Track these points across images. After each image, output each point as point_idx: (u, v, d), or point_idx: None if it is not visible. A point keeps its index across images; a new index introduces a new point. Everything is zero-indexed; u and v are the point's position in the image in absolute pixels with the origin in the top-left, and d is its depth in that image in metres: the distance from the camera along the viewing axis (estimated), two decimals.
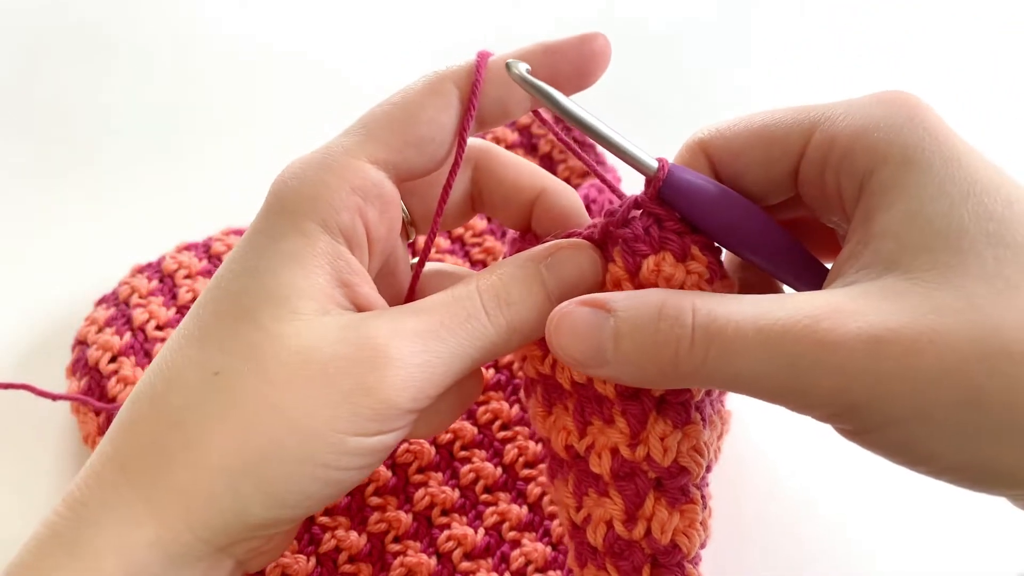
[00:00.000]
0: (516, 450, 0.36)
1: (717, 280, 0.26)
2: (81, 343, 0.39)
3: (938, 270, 0.22)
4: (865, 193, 0.24)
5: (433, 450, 0.36)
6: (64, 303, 0.42)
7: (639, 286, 0.25)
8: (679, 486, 0.25)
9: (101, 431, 0.36)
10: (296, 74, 0.54)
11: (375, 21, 0.57)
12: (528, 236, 0.29)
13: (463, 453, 0.36)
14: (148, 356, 0.38)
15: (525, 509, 0.35)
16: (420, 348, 0.24)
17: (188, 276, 0.40)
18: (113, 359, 0.38)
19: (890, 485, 0.38)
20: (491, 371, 0.38)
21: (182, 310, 0.39)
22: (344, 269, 0.25)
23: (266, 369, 0.23)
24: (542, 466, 0.36)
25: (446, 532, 0.34)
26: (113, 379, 0.37)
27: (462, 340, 0.25)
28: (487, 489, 0.36)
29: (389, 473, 0.35)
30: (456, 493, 0.35)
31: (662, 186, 0.25)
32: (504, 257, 0.28)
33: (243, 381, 0.23)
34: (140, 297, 0.39)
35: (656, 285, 0.25)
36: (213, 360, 0.24)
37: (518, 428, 0.37)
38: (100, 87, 0.52)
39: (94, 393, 0.37)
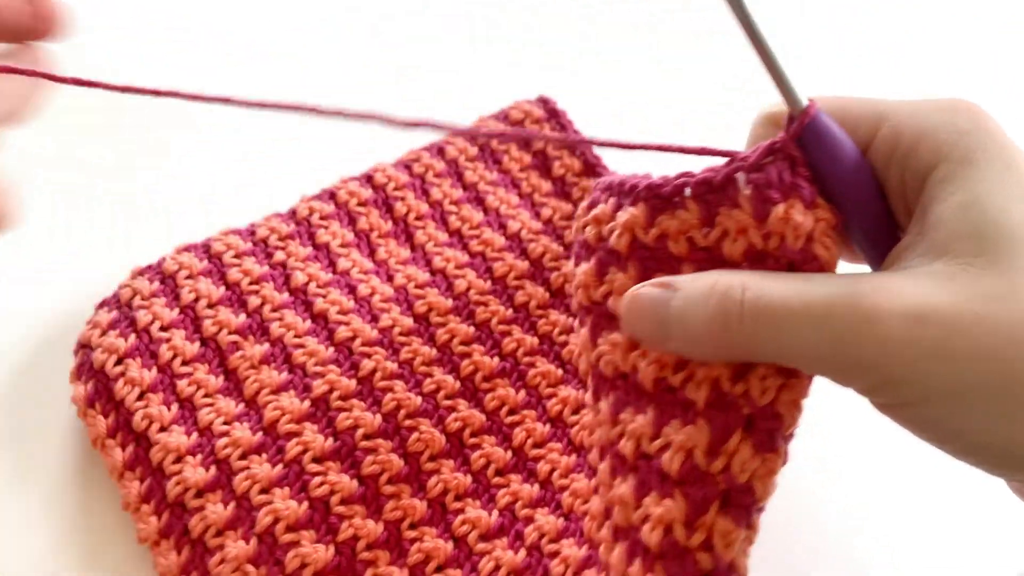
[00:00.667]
0: (524, 433, 0.38)
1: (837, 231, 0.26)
2: (85, 347, 0.39)
3: (987, 257, 0.23)
4: (926, 188, 0.25)
5: (443, 438, 0.37)
6: (60, 308, 0.42)
7: (766, 234, 0.25)
8: (768, 430, 0.25)
9: (111, 433, 0.36)
10: (292, 72, 0.54)
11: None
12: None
13: (473, 440, 0.37)
14: (154, 357, 0.38)
15: (536, 487, 0.36)
16: None
17: (189, 276, 0.40)
18: (119, 361, 0.38)
19: (887, 486, 0.39)
20: (496, 359, 0.39)
21: (185, 310, 0.39)
22: None
23: None
24: (552, 444, 0.37)
25: (460, 516, 0.35)
26: (120, 381, 0.37)
27: None
28: (498, 472, 0.37)
29: (402, 462, 0.36)
30: (468, 479, 0.36)
31: (804, 129, 0.25)
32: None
33: None
34: (143, 299, 0.39)
35: (784, 233, 0.25)
36: None
37: (525, 412, 0.38)
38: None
39: (101, 396, 0.37)
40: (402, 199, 0.44)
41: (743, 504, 0.25)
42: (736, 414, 0.26)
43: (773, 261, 0.26)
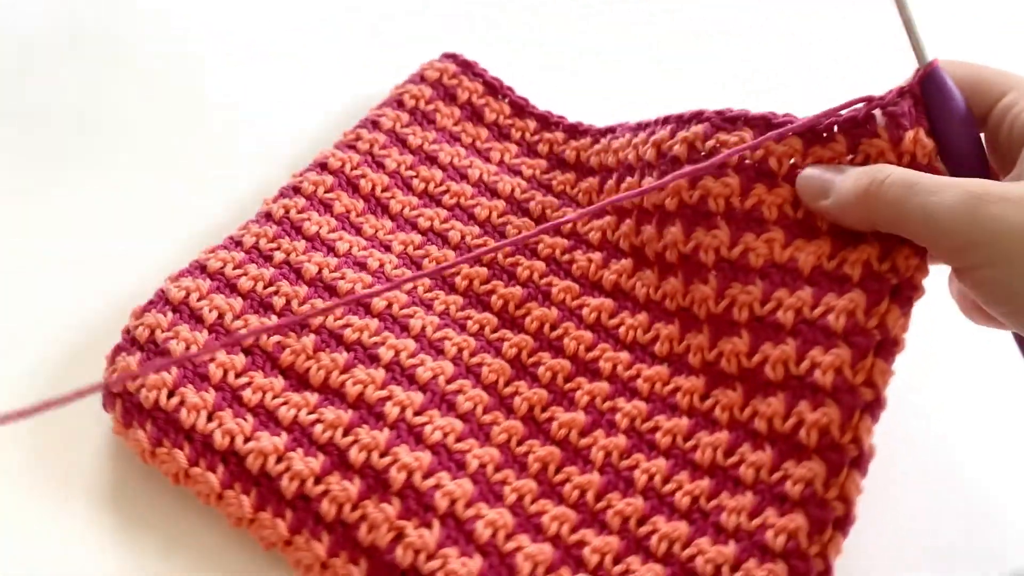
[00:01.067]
0: (573, 341, 0.40)
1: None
2: (122, 394, 0.38)
3: None
4: None
5: (507, 365, 0.40)
6: (85, 316, 0.43)
7: (899, 153, 0.34)
8: (908, 297, 0.33)
9: (193, 461, 0.37)
10: (292, 73, 0.54)
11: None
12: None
13: (531, 359, 0.40)
14: (206, 379, 0.38)
15: (605, 384, 0.39)
16: None
17: (201, 297, 0.40)
18: (171, 394, 0.37)
19: (883, 486, 0.38)
20: (517, 288, 0.42)
21: (214, 329, 0.39)
22: None
23: None
24: (602, 345, 0.40)
25: (555, 423, 0.38)
26: (183, 411, 0.37)
27: None
28: (565, 379, 0.40)
29: (485, 395, 0.39)
30: (544, 391, 0.39)
31: (926, 79, 0.34)
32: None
33: None
34: (165, 331, 0.39)
35: (914, 152, 0.33)
36: None
37: (565, 325, 0.41)
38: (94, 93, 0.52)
39: (167, 432, 0.37)
40: (363, 176, 0.45)
41: (891, 351, 0.33)
42: (885, 284, 0.33)
43: None
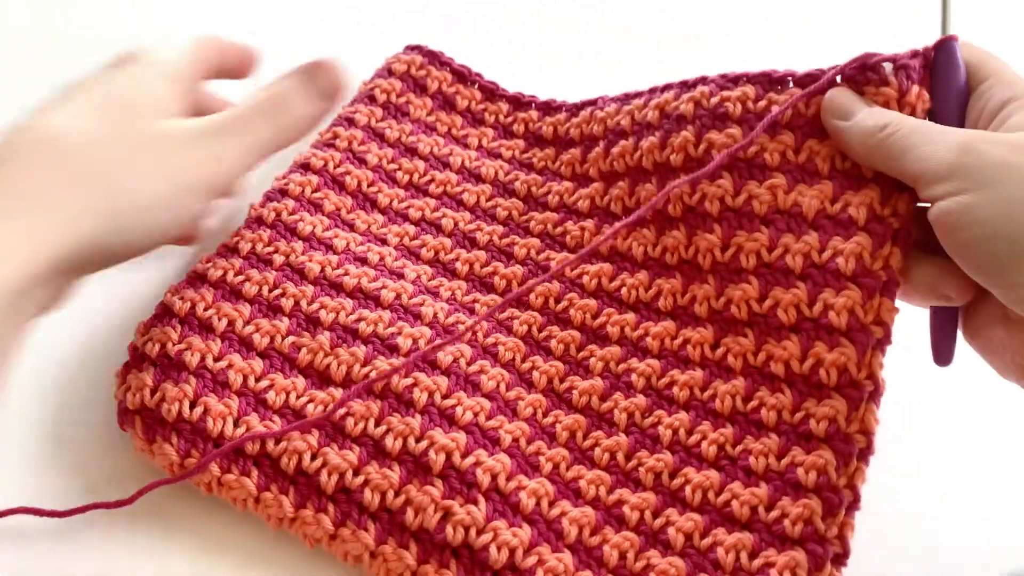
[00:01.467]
0: (580, 312, 0.41)
1: None
2: (139, 411, 0.38)
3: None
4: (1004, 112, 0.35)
5: (520, 342, 0.41)
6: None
7: (902, 105, 0.36)
8: (908, 241, 0.36)
9: (226, 468, 0.37)
10: None
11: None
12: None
13: (542, 334, 0.41)
14: (227, 386, 0.38)
15: (616, 347, 0.40)
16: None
17: (208, 307, 0.40)
18: (194, 404, 0.38)
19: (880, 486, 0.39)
20: (518, 267, 0.43)
21: (226, 336, 0.39)
22: None
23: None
24: (608, 310, 0.41)
25: (575, 392, 0.39)
26: (209, 419, 0.37)
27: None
28: (578, 349, 0.41)
29: (506, 373, 0.40)
30: (560, 363, 0.40)
31: (941, 48, 0.36)
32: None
33: None
34: (176, 343, 0.39)
35: (915, 107, 0.36)
36: None
37: (569, 296, 0.42)
38: None
39: (194, 442, 0.37)
40: (347, 173, 0.45)
41: (893, 291, 0.35)
42: (888, 227, 0.35)
43: None
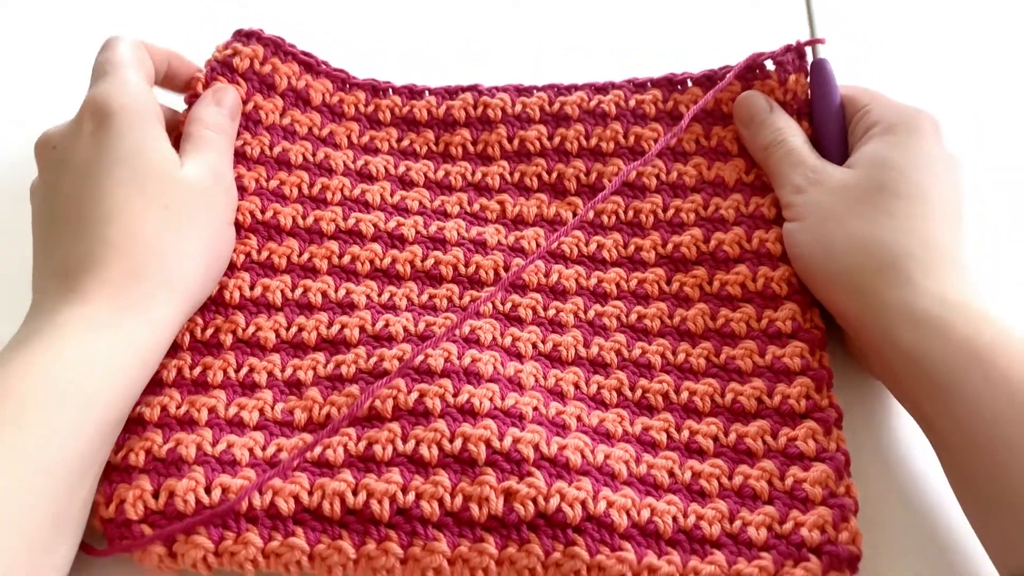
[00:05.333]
0: (533, 276, 0.43)
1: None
2: (155, 460, 0.37)
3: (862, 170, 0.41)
4: (865, 136, 0.43)
5: (495, 322, 0.42)
6: None
7: (784, 91, 0.45)
8: (775, 199, 0.45)
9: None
10: None
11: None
12: None
13: (507, 307, 0.43)
14: (238, 426, 0.38)
15: (577, 298, 0.43)
16: None
17: (196, 366, 0.40)
18: (198, 449, 0.38)
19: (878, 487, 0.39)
20: (457, 249, 0.43)
21: (226, 385, 0.40)
22: None
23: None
24: (556, 267, 0.44)
25: (560, 349, 0.42)
26: (236, 449, 0.38)
27: None
28: (544, 309, 0.43)
29: (496, 354, 0.40)
30: (536, 328, 0.42)
31: (815, 50, 0.46)
32: None
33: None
34: (178, 405, 0.39)
35: (796, 91, 0.45)
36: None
37: (515, 263, 0.44)
38: None
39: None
40: (282, 183, 0.45)
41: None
42: (768, 187, 0.45)
43: (787, 108, 0.46)
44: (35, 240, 0.39)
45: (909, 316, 0.37)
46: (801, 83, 0.45)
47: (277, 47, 0.46)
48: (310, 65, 0.47)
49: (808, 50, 0.46)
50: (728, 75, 0.46)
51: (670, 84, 0.47)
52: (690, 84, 0.47)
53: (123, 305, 0.36)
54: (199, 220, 0.40)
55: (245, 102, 0.45)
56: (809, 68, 0.46)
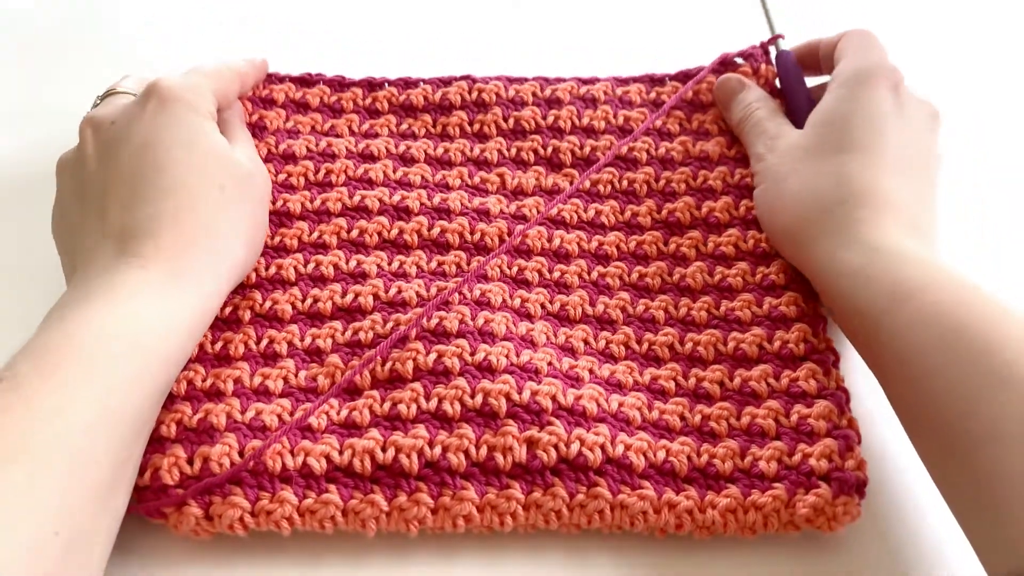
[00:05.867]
0: (537, 241, 0.45)
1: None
2: (187, 431, 0.38)
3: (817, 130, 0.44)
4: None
5: (504, 285, 0.44)
6: None
7: (757, 77, 0.51)
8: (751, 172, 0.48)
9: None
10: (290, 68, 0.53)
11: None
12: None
13: (513, 271, 0.44)
14: (264, 394, 0.40)
15: (581, 260, 0.45)
16: None
17: (216, 341, 0.41)
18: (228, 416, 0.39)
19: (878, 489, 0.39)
20: (462, 218, 0.44)
21: (247, 357, 0.41)
22: None
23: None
24: (558, 232, 0.46)
25: (568, 308, 0.44)
26: (265, 414, 0.39)
27: None
28: (549, 272, 0.45)
29: (507, 315, 0.42)
30: (543, 290, 0.44)
31: (777, 44, 0.51)
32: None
33: None
34: (204, 379, 0.40)
35: (766, 75, 0.51)
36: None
37: (518, 230, 0.45)
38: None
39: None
40: (289, 175, 0.48)
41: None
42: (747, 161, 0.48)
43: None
44: (75, 209, 0.40)
45: (840, 265, 0.39)
46: (771, 71, 0.51)
47: (270, 77, 0.50)
48: (304, 80, 0.51)
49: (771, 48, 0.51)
50: (704, 70, 0.51)
51: (651, 81, 0.52)
52: (668, 81, 0.52)
53: (176, 272, 0.37)
54: (246, 202, 0.42)
55: (250, 114, 0.48)
56: (774, 60, 0.51)
